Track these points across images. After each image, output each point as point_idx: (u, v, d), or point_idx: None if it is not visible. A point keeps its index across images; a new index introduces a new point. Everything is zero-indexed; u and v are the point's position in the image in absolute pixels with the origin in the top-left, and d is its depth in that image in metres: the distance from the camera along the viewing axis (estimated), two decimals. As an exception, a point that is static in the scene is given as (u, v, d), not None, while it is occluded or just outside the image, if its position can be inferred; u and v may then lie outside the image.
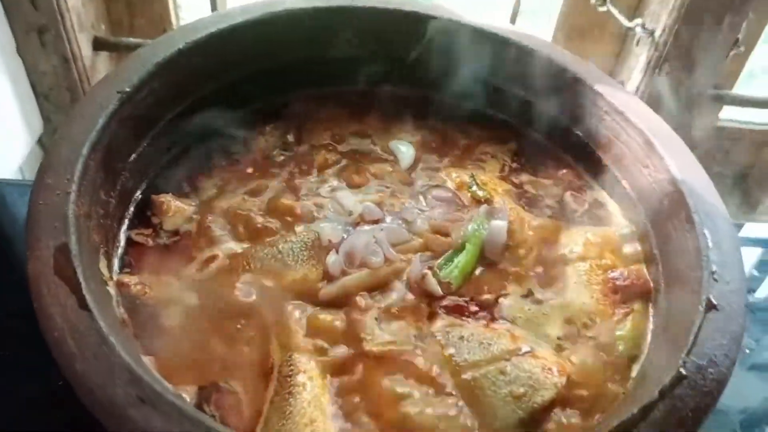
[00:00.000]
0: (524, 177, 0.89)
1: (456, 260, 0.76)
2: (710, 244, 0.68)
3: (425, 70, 0.95)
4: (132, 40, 1.55)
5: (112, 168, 0.72)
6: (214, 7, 1.49)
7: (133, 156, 0.77)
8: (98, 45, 1.53)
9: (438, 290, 0.73)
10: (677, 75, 1.44)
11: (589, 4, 1.50)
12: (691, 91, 1.48)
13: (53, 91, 1.52)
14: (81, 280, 0.58)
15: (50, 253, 0.59)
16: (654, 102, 1.48)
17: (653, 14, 1.42)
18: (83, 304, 0.56)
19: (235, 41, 0.84)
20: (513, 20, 1.47)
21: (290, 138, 0.91)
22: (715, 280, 0.66)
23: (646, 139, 0.79)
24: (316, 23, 0.89)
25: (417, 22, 0.90)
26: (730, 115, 1.73)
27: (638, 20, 1.42)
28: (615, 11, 1.45)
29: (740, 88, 1.66)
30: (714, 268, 0.66)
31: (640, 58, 1.47)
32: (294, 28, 0.88)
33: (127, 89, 0.74)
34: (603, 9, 1.47)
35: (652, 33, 1.40)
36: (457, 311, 0.73)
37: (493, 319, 0.73)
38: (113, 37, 1.57)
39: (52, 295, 0.57)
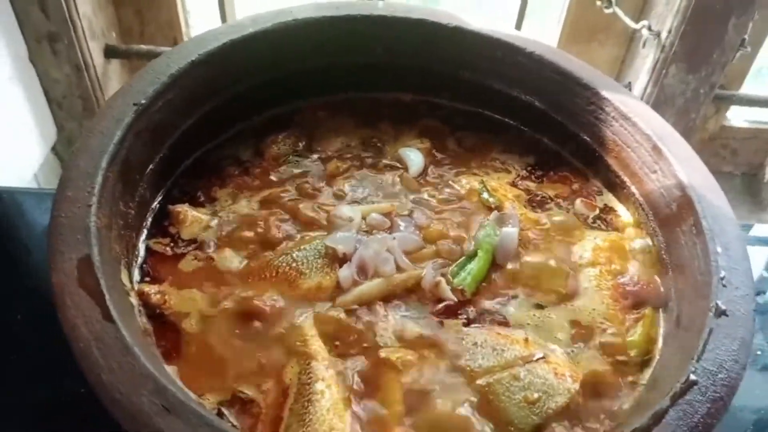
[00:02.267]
0: (534, 182, 0.90)
1: (468, 267, 0.78)
2: (719, 250, 0.69)
3: (435, 77, 0.96)
4: (143, 47, 1.57)
5: (130, 179, 0.74)
6: (223, 16, 1.51)
7: (150, 167, 0.78)
8: (109, 53, 1.55)
9: (452, 297, 0.75)
10: (684, 76, 1.45)
11: (595, 5, 1.51)
12: (698, 91, 1.49)
13: (66, 99, 1.54)
14: (104, 291, 0.59)
15: (73, 265, 0.61)
16: (661, 103, 1.49)
17: (659, 16, 1.43)
18: (107, 316, 0.58)
19: (246, 52, 0.86)
20: (519, 24, 1.48)
21: (301, 146, 0.93)
22: (724, 285, 0.67)
23: (654, 144, 0.80)
24: (326, 32, 0.90)
25: (425, 29, 0.91)
26: (737, 114, 1.73)
27: (644, 22, 1.43)
28: (621, 13, 1.46)
29: (747, 88, 1.67)
30: (723, 273, 0.67)
31: (646, 59, 1.48)
32: (304, 38, 0.89)
33: (143, 101, 0.75)
34: (609, 11, 1.48)
35: (658, 34, 1.41)
36: (470, 318, 0.74)
37: (505, 325, 0.74)
38: (124, 45, 1.58)
39: (76, 307, 0.58)
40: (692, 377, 0.59)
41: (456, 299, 0.75)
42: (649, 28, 1.40)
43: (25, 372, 0.84)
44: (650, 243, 0.82)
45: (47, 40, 1.43)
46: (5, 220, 1.10)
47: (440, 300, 0.75)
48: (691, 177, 0.76)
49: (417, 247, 0.80)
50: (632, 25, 1.43)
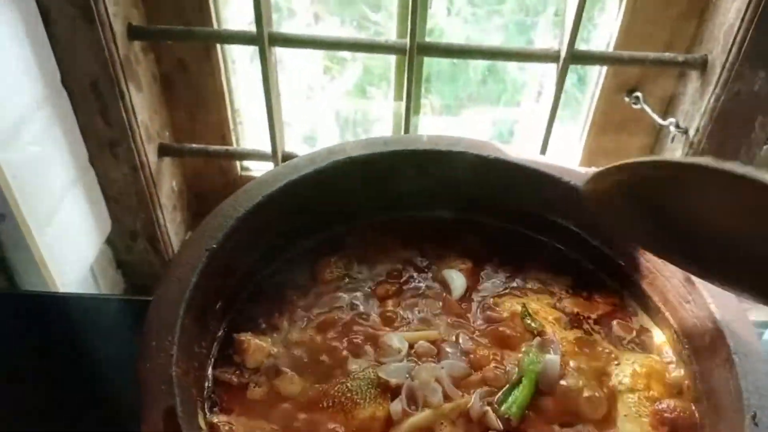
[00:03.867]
0: (573, 305, 0.95)
1: (513, 394, 0.83)
2: (750, 388, 0.73)
3: (476, 201, 1.03)
4: (194, 146, 1.67)
5: (203, 321, 0.81)
6: (270, 118, 1.60)
7: (219, 304, 0.85)
8: (163, 151, 1.65)
9: (499, 426, 0.80)
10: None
11: (624, 101, 1.57)
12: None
13: (122, 196, 1.64)
14: (187, 440, 0.66)
15: (159, 416, 0.67)
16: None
17: (686, 113, 1.48)
18: (192, 466, 0.64)
19: (304, 190, 0.93)
20: (544, 150, 1.55)
21: (354, 268, 1.00)
22: (756, 424, 0.71)
23: (687, 276, 0.85)
24: (376, 167, 0.97)
25: (467, 161, 0.98)
26: None
27: (672, 119, 1.49)
28: (648, 109, 1.52)
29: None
30: (754, 411, 0.72)
31: (675, 153, 1.54)
32: (356, 173, 0.97)
33: (214, 246, 0.83)
34: (637, 107, 1.54)
35: (686, 131, 1.46)
36: (518, 447, 0.79)
37: (553, 457, 0.79)
38: (176, 144, 1.69)
39: (164, 458, 0.65)
40: None
41: (502, 428, 0.80)
42: (677, 126, 1.46)
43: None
44: (686, 370, 0.86)
45: (108, 145, 1.53)
46: (61, 325, 1.17)
47: (487, 429, 0.80)
48: (723, 311, 0.81)
49: (464, 375, 0.86)
50: (660, 121, 1.49)
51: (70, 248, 1.53)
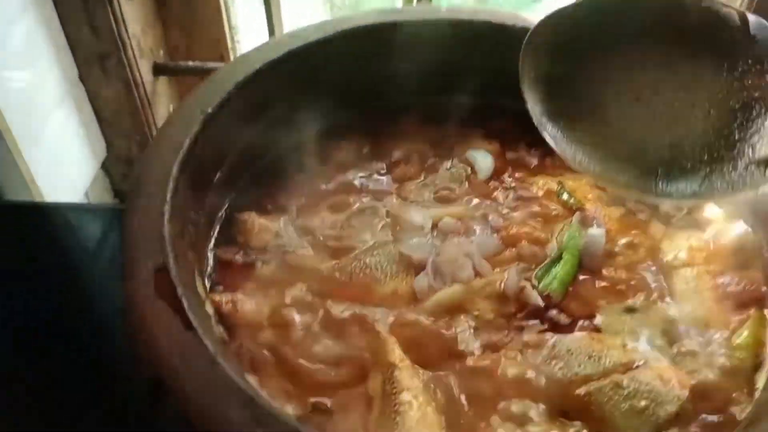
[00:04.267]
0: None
1: (554, 271, 0.73)
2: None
3: (500, 78, 0.92)
4: (191, 63, 1.56)
5: (199, 187, 0.71)
6: (271, 31, 1.49)
7: (218, 174, 0.76)
8: (158, 70, 1.55)
9: (540, 302, 0.70)
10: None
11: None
12: None
13: (116, 117, 1.53)
14: (183, 300, 0.56)
15: (150, 274, 0.58)
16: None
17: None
18: (188, 325, 0.55)
19: (309, 60, 0.83)
20: None
21: (366, 151, 0.90)
22: None
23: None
24: (389, 37, 0.87)
25: (490, 31, 0.87)
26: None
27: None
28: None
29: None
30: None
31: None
32: (366, 44, 0.86)
33: (209, 110, 0.73)
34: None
35: None
36: (559, 324, 0.70)
37: (596, 331, 0.69)
38: (172, 62, 1.58)
39: (156, 317, 0.55)
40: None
41: (543, 304, 0.71)
42: None
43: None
44: (750, 240, 0.76)
45: (97, 59, 1.43)
46: (57, 236, 1.08)
47: (525, 306, 0.71)
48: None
49: (496, 251, 0.76)
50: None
51: (62, 171, 1.43)
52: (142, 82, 1.51)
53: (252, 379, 0.62)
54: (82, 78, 1.49)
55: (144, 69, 1.51)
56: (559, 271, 0.73)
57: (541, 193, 0.83)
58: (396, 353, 0.66)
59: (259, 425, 0.50)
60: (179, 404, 0.52)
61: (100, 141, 1.60)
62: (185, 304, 0.56)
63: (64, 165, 1.50)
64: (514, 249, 0.76)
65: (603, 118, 0.69)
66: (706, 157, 0.66)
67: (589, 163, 0.68)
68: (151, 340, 0.54)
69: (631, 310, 0.71)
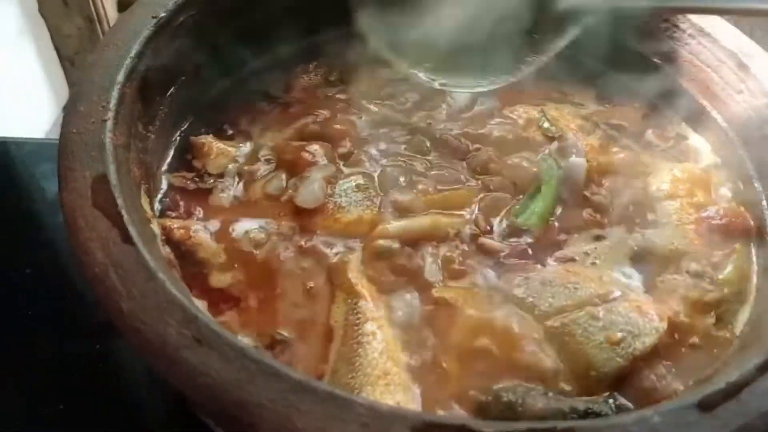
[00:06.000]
0: (599, 113, 0.80)
1: (533, 205, 0.69)
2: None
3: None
4: (158, -1, 1.49)
5: (149, 100, 0.65)
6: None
7: (172, 89, 0.70)
8: (123, 6, 1.47)
9: (513, 236, 0.66)
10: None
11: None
12: None
13: (78, 56, 1.46)
14: (123, 212, 0.51)
15: (87, 184, 0.53)
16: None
17: None
18: (127, 238, 0.50)
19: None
20: None
21: (334, 77, 0.84)
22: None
23: (739, 61, 0.71)
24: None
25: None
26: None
27: None
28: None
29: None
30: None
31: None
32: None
33: (162, 14, 0.67)
34: None
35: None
36: (533, 256, 0.66)
37: (572, 262, 0.65)
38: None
39: (90, 229, 0.50)
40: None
41: (518, 238, 0.66)
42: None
43: (33, 328, 0.77)
44: (737, 172, 0.72)
45: (58, -10, 1.35)
46: (13, 171, 1.02)
47: (499, 239, 0.67)
48: (785, 91, 0.67)
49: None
50: None
51: (19, 111, 1.37)
52: (106, 18, 1.44)
53: (200, 303, 0.57)
54: (42, 12, 1.41)
55: (108, 3, 1.44)
56: (539, 205, 0.69)
57: (521, 122, 0.78)
58: (361, 283, 0.61)
59: (201, 345, 0.45)
60: (116, 321, 0.47)
61: (63, 82, 1.53)
62: (125, 217, 0.51)
63: (24, 104, 1.43)
64: (486, 178, 0.71)
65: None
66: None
67: None
68: (86, 253, 0.49)
69: (599, 238, 0.67)
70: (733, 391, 0.44)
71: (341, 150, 0.73)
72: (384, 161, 0.73)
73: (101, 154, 0.54)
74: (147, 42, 0.64)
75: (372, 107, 0.80)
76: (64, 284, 0.81)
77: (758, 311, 0.60)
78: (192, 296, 0.56)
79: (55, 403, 0.70)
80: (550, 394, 0.54)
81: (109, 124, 0.57)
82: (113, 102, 0.58)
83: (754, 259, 0.66)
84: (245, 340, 0.57)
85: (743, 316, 0.61)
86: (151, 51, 0.65)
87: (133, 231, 0.50)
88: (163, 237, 0.61)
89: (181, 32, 0.69)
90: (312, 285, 0.62)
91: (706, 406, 0.43)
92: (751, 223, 0.68)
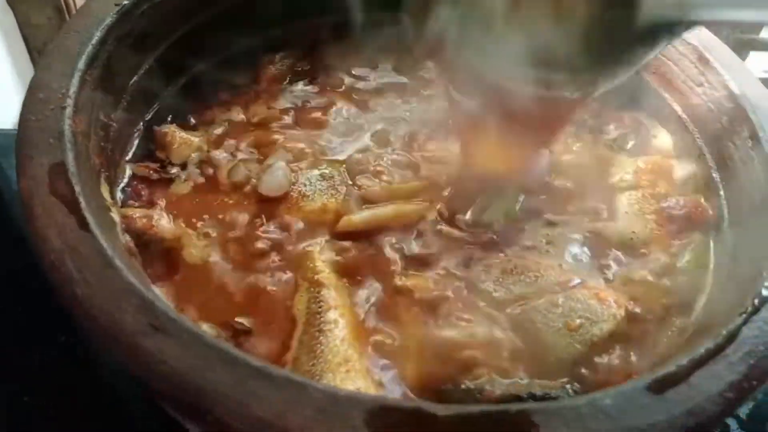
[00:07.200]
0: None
1: (497, 201, 0.69)
2: (780, 159, 0.61)
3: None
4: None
5: (111, 88, 0.65)
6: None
7: (135, 78, 0.69)
8: (93, -4, 1.46)
9: (477, 227, 0.67)
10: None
11: None
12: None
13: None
14: (80, 199, 0.51)
15: (45, 171, 0.52)
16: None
17: None
18: (83, 225, 0.49)
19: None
20: None
21: (301, 68, 0.84)
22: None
23: (700, 54, 0.72)
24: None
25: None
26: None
27: None
28: None
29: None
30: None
31: None
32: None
33: (125, 2, 0.66)
34: None
35: None
36: (495, 246, 0.66)
37: (533, 250, 0.66)
38: (109, -12, 1.49)
39: (47, 216, 0.50)
40: (765, 293, 0.51)
41: (481, 229, 0.67)
42: None
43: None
44: (697, 163, 0.73)
45: (26, -20, 1.33)
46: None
47: (461, 229, 0.67)
48: (742, 87, 0.68)
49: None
50: None
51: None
52: (75, 9, 1.42)
53: (159, 290, 0.57)
54: (10, 2, 1.39)
55: (78, -7, 1.41)
56: (503, 201, 0.69)
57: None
58: (324, 271, 0.62)
59: (158, 332, 0.45)
60: (72, 308, 0.47)
61: (31, 73, 1.49)
62: (82, 204, 0.50)
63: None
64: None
65: None
66: None
67: None
68: (42, 240, 0.49)
69: (550, 224, 0.68)
70: (683, 374, 0.45)
71: (308, 139, 0.73)
72: (349, 150, 0.73)
73: (60, 142, 0.54)
74: (109, 30, 0.64)
75: (338, 97, 0.80)
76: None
77: (714, 299, 0.61)
78: (153, 285, 0.56)
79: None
80: (509, 381, 0.55)
81: (69, 111, 0.56)
82: (73, 89, 0.58)
83: (712, 248, 0.67)
84: (206, 329, 0.57)
85: (699, 303, 0.62)
86: (113, 39, 0.64)
87: (90, 218, 0.50)
88: (124, 226, 0.61)
89: (144, 21, 0.69)
90: (274, 274, 0.62)
91: (657, 389, 0.44)
92: (710, 212, 0.69)
